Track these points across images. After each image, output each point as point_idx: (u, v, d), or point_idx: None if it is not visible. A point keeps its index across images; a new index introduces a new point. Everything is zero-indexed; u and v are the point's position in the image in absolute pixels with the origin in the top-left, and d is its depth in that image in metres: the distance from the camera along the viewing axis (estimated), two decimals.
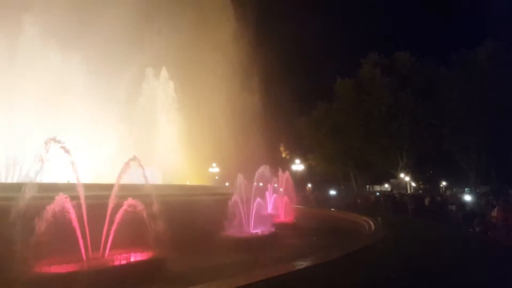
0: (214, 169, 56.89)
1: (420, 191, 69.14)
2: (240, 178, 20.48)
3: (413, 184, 73.04)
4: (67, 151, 12.15)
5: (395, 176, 69.24)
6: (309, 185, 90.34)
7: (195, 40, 40.42)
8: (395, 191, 56.77)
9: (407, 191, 62.11)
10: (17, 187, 11.40)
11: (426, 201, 37.45)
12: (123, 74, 33.10)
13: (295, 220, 26.98)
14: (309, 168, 79.74)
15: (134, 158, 13.56)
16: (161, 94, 34.86)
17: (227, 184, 49.36)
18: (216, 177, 56.79)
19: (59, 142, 11.98)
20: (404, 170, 66.04)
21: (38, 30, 26.99)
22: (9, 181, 22.05)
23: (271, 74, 52.83)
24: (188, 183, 34.17)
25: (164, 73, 35.14)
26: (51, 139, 11.87)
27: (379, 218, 25.19)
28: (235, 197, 19.43)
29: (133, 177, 13.61)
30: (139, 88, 34.16)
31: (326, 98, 73.03)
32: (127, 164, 13.42)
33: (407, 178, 67.77)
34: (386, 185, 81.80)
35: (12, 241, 9.87)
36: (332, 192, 69.58)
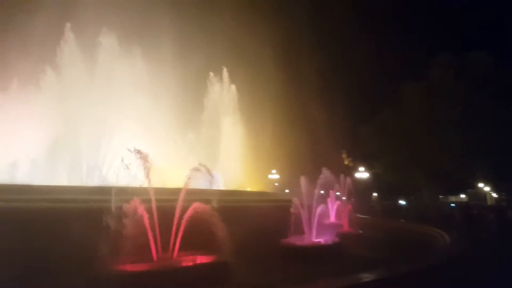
0: (274, 175, 57.36)
1: (504, 203, 62.95)
2: (301, 183, 20.48)
3: (494, 195, 66.73)
4: (144, 158, 13.28)
5: (473, 186, 63.91)
6: (375, 194, 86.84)
7: (255, 42, 41.38)
8: (472, 202, 52.39)
9: (486, 202, 56.96)
10: (97, 190, 12.76)
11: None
12: (188, 78, 35.09)
13: (360, 231, 26.25)
14: (375, 177, 76.67)
15: (200, 165, 14.35)
16: (223, 97, 36.27)
17: (287, 191, 49.48)
18: (276, 184, 57.21)
19: (140, 152, 13.18)
20: (483, 179, 60.72)
21: (113, 42, 29.98)
22: (88, 184, 24.48)
23: (331, 77, 52.16)
24: (248, 189, 34.95)
25: (225, 75, 36.56)
26: (135, 149, 13.12)
27: (455, 231, 23.53)
28: (296, 204, 19.49)
29: (199, 182, 14.45)
30: (203, 91, 35.88)
31: (391, 102, 69.89)
32: (194, 170, 14.25)
33: (487, 188, 62.16)
34: (463, 196, 75.78)
35: (92, 241, 11.07)
36: (401, 202, 66.18)
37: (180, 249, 13.24)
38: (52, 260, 11.73)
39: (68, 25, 29.53)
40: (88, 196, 14.89)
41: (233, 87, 36.64)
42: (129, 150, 13.02)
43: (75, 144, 26.07)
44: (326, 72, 49.49)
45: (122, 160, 12.88)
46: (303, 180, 20.45)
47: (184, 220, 13.05)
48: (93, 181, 24.89)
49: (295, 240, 18.69)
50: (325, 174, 22.69)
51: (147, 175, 13.64)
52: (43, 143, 25.12)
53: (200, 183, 14.36)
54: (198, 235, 13.20)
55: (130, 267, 11.81)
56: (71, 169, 24.99)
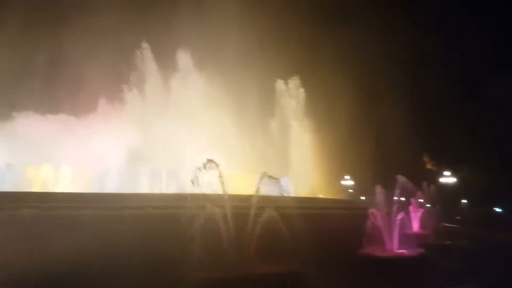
0: (347, 181, 55.57)
1: None
2: (378, 190, 19.53)
3: None
4: (217, 166, 13.81)
5: None
6: (464, 201, 79.19)
7: (323, 45, 40.98)
8: None
9: None
10: (176, 197, 13.52)
11: None
12: (257, 85, 35.99)
13: (448, 241, 24.13)
14: (463, 181, 70.08)
15: (267, 174, 14.50)
16: (292, 103, 36.39)
17: (362, 198, 47.54)
18: (350, 191, 55.33)
19: (214, 162, 13.78)
20: None
21: (187, 59, 32.35)
22: (168, 191, 26.31)
23: (407, 73, 49.17)
24: (321, 196, 34.34)
25: (294, 81, 36.66)
26: (208, 160, 13.76)
27: None
28: (373, 212, 18.58)
29: (271, 189, 14.59)
30: (272, 97, 36.43)
31: (477, 97, 63.37)
32: (263, 177, 14.42)
33: None
34: None
35: (174, 246, 11.70)
36: (497, 210, 59.54)
37: (255, 256, 13.38)
38: (133, 262, 12.61)
39: (146, 45, 32.45)
40: (167, 203, 15.85)
41: (301, 91, 36.62)
42: (203, 163, 13.62)
43: (154, 154, 28.27)
44: (401, 68, 46.80)
45: (199, 168, 13.51)
46: (379, 187, 19.47)
47: (257, 227, 13.18)
48: (172, 189, 26.70)
49: (374, 250, 17.78)
50: (401, 181, 21.40)
51: (221, 182, 14.11)
52: (125, 154, 27.58)
53: (272, 190, 14.49)
54: (271, 242, 13.24)
55: (207, 273, 12.23)
56: (152, 177, 27.05)
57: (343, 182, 54.74)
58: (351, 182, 55.51)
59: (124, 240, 13.23)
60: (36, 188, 24.87)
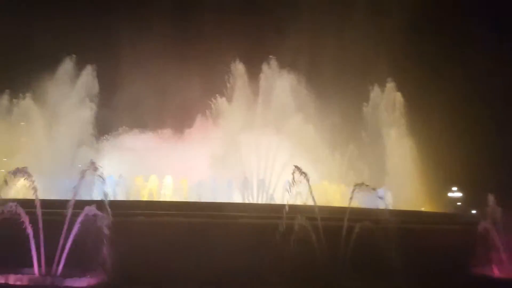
0: (455, 193, 50.66)
1: None
2: (491, 200, 17.54)
3: None
4: (304, 175, 14.03)
5: None
6: None
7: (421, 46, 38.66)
8: None
9: None
10: (266, 208, 14.06)
11: None
12: (347, 90, 35.38)
13: None
14: None
15: (361, 184, 14.16)
16: (387, 107, 34.75)
17: (473, 212, 42.77)
18: (459, 204, 50.28)
19: (301, 170, 14.05)
20: None
21: (274, 67, 33.53)
22: (259, 202, 27.28)
23: None
24: (423, 209, 31.92)
25: (390, 85, 34.99)
26: (296, 168, 14.10)
27: None
28: (485, 226, 16.69)
29: (364, 200, 14.24)
30: (363, 103, 35.31)
31: None
32: (356, 187, 14.13)
33: None
34: None
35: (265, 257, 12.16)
36: None
37: (350, 270, 13.12)
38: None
39: (236, 58, 34.37)
40: (258, 213, 16.53)
41: (398, 95, 34.69)
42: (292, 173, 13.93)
43: (245, 164, 29.53)
44: None
45: (291, 180, 13.87)
46: (492, 197, 17.46)
47: (352, 240, 12.95)
48: (262, 199, 27.62)
49: (487, 270, 15.98)
50: None
51: (310, 193, 14.26)
52: (218, 164, 29.26)
53: (365, 202, 14.13)
54: (368, 257, 12.90)
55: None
56: (244, 187, 28.29)
57: (450, 194, 50.09)
58: (459, 194, 50.51)
59: (222, 247, 14.09)
60: (144, 197, 27.95)
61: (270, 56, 33.87)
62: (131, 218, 14.48)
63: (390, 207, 26.40)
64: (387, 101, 35.04)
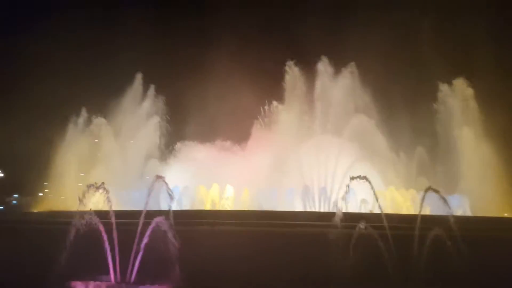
0: None
1: None
2: None
3: None
4: (369, 182, 13.53)
5: None
6: None
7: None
8: None
9: None
10: (328, 216, 13.75)
11: None
12: (413, 91, 33.72)
13: None
14: None
15: (431, 188, 13.32)
16: (458, 107, 32.39)
17: None
18: None
19: (363, 176, 13.57)
20: None
21: (330, 67, 33.05)
22: (321, 210, 26.76)
23: None
24: (506, 215, 29.07)
25: (461, 81, 32.60)
26: (357, 177, 13.67)
27: None
28: None
29: (435, 207, 13.34)
30: (431, 102, 33.36)
31: None
32: (425, 194, 13.32)
33: None
34: None
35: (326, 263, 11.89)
36: None
37: (423, 281, 12.34)
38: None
39: (291, 62, 34.26)
40: (317, 221, 16.21)
41: (469, 91, 32.09)
42: (350, 179, 13.49)
43: (303, 170, 29.13)
44: None
45: (347, 187, 13.47)
46: None
47: (425, 250, 12.17)
48: (324, 207, 27.04)
49: None
50: None
51: (375, 200, 13.71)
52: (277, 173, 29.19)
53: (436, 208, 13.23)
54: (442, 267, 12.04)
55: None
56: (305, 195, 27.88)
57: None
58: None
59: (286, 256, 14.06)
60: (207, 206, 28.87)
61: (325, 57, 33.20)
62: (196, 227, 15.03)
63: (467, 213, 24.60)
64: (459, 99, 32.57)
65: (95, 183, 14.88)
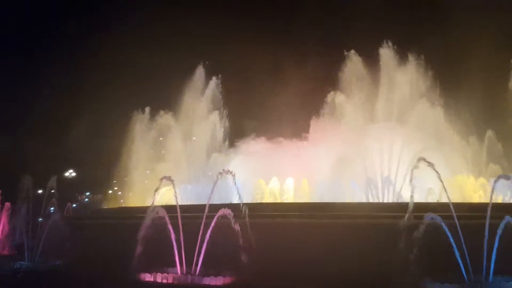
0: None
1: None
2: None
3: None
4: (434, 169, 13.07)
5: None
6: None
7: None
8: None
9: None
10: (391, 207, 13.51)
11: None
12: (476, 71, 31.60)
13: None
14: None
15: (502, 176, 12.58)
16: None
17: None
18: None
19: (427, 161, 13.15)
20: None
21: (391, 52, 31.96)
22: (385, 200, 26.08)
23: None
24: None
25: None
26: (420, 158, 13.26)
27: None
28: None
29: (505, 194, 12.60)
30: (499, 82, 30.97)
31: None
32: (498, 180, 12.64)
33: None
34: None
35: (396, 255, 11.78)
36: None
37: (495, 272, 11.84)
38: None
39: (351, 52, 33.37)
40: (382, 212, 15.94)
41: None
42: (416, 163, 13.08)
43: (365, 161, 28.40)
44: None
45: (411, 177, 13.10)
46: None
47: (496, 240, 11.63)
48: (389, 197, 26.25)
49: None
50: None
51: (443, 189, 13.26)
52: (339, 163, 28.72)
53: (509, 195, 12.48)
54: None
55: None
56: (367, 185, 27.25)
57: None
58: None
59: (349, 248, 14.09)
60: (267, 199, 29.40)
61: (387, 40, 31.92)
62: (258, 219, 15.60)
63: None
64: None
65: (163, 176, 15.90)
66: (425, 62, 31.54)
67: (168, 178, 15.95)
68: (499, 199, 13.68)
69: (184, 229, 14.89)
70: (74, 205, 48.40)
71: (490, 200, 12.48)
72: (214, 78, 36.23)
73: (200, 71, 36.53)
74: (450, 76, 31.30)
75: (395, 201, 24.26)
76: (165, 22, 48.64)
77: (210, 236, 14.48)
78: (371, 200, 26.06)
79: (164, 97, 38.05)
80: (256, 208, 19.89)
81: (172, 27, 47.03)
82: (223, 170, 15.97)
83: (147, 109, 35.72)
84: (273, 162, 31.85)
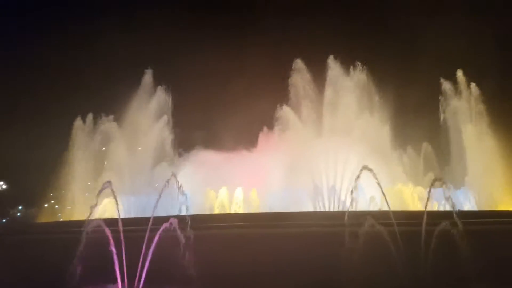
0: None
1: None
2: None
3: None
4: (376, 178, 13.67)
5: None
6: None
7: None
8: None
9: None
10: (337, 216, 13.91)
11: None
12: (417, 85, 33.80)
13: None
14: None
15: (438, 180, 13.43)
16: (462, 102, 32.45)
17: None
18: None
19: (369, 169, 13.72)
20: None
21: (338, 65, 33.27)
22: (330, 209, 26.94)
23: None
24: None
25: (461, 77, 32.72)
26: (364, 167, 13.79)
27: None
28: None
29: (443, 202, 13.45)
30: (436, 98, 33.42)
31: None
32: (431, 187, 13.46)
33: None
34: None
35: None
36: None
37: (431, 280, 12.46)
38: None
39: (298, 60, 34.32)
40: (327, 221, 16.36)
41: (472, 87, 32.10)
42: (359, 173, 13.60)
43: (313, 171, 29.30)
44: None
45: (353, 186, 13.59)
46: None
47: (432, 247, 12.32)
48: (334, 206, 27.18)
49: None
50: None
51: (384, 197, 13.85)
52: (287, 174, 29.35)
53: (444, 203, 13.36)
54: (450, 264, 12.18)
55: None
56: (314, 195, 28.06)
57: None
58: None
59: (290, 256, 14.22)
60: (216, 210, 29.08)
61: (332, 56, 33.33)
62: (206, 231, 15.25)
63: (473, 207, 24.69)
64: (463, 94, 32.68)
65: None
66: (368, 77, 33.35)
67: (110, 185, 15.06)
68: (435, 206, 14.62)
69: (127, 243, 14.15)
70: (3, 220, 44.46)
71: (425, 208, 13.25)
72: (162, 86, 35.37)
73: (148, 78, 35.46)
74: (391, 90, 33.24)
75: (340, 209, 25.12)
76: (112, 25, 46.96)
77: (154, 250, 13.85)
78: (317, 209, 26.79)
79: (108, 105, 36.39)
80: (205, 220, 19.53)
81: (121, 31, 45.58)
82: (171, 175, 15.36)
83: (90, 117, 34.01)
84: (222, 172, 31.70)
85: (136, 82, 35.39)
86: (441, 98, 32.95)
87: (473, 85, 32.18)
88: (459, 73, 32.75)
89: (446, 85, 33.06)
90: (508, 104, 33.40)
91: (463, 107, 32.13)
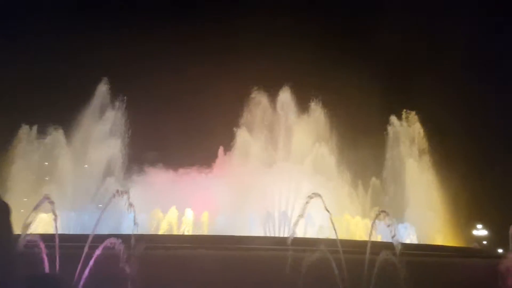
0: (480, 231, 48.14)
1: None
2: None
3: None
4: (325, 205, 13.91)
5: None
6: None
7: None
8: None
9: None
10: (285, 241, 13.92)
11: None
12: (366, 123, 35.43)
13: None
14: None
15: (382, 212, 13.94)
16: (406, 139, 34.36)
17: (500, 251, 40.53)
18: (484, 242, 47.62)
19: (319, 196, 13.96)
20: None
21: (290, 97, 34.21)
22: (280, 235, 26.97)
23: None
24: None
25: (412, 117, 34.80)
26: (315, 194, 14.01)
27: None
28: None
29: (387, 234, 13.92)
30: (382, 134, 35.07)
31: None
32: (375, 222, 13.91)
33: None
34: None
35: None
36: None
37: None
38: None
39: (255, 88, 34.86)
40: (276, 245, 16.28)
41: (417, 126, 34.30)
42: (308, 197, 13.81)
43: (265, 196, 29.41)
44: None
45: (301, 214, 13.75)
46: None
47: (374, 274, 12.61)
48: (285, 232, 27.27)
49: None
50: None
51: (332, 226, 14.09)
52: (239, 199, 29.18)
53: (387, 236, 13.86)
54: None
55: None
56: (266, 220, 28.07)
57: (475, 232, 47.66)
58: (485, 232, 48.03)
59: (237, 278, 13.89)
60: (162, 230, 27.96)
61: (287, 86, 34.23)
62: (150, 251, 14.54)
63: (413, 241, 25.81)
64: (407, 133, 34.71)
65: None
66: (322, 109, 34.50)
67: (48, 198, 13.97)
68: (378, 238, 15.11)
69: (62, 260, 13.07)
70: None
71: (370, 238, 13.64)
72: (115, 102, 34.05)
73: (102, 91, 34.00)
74: (344, 122, 34.50)
75: (289, 235, 25.12)
76: (68, 32, 45.23)
77: (92, 269, 12.89)
78: (268, 234, 26.74)
79: (56, 114, 34.29)
80: (150, 240, 18.67)
81: (79, 40, 43.97)
82: (117, 191, 14.49)
83: (34, 128, 31.81)
84: (173, 192, 30.79)
85: (90, 94, 33.86)
86: (386, 133, 34.72)
87: (417, 124, 34.27)
88: (403, 109, 34.90)
89: (391, 121, 34.91)
90: (452, 144, 35.72)
91: (406, 142, 34.01)
